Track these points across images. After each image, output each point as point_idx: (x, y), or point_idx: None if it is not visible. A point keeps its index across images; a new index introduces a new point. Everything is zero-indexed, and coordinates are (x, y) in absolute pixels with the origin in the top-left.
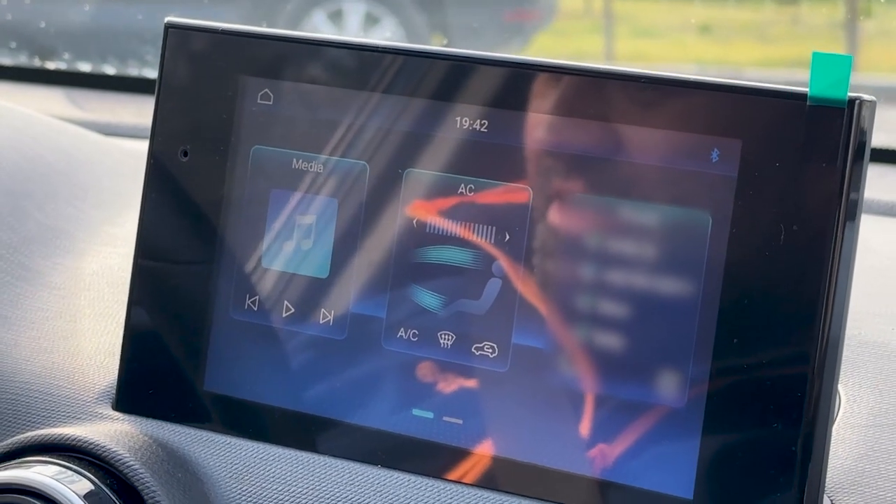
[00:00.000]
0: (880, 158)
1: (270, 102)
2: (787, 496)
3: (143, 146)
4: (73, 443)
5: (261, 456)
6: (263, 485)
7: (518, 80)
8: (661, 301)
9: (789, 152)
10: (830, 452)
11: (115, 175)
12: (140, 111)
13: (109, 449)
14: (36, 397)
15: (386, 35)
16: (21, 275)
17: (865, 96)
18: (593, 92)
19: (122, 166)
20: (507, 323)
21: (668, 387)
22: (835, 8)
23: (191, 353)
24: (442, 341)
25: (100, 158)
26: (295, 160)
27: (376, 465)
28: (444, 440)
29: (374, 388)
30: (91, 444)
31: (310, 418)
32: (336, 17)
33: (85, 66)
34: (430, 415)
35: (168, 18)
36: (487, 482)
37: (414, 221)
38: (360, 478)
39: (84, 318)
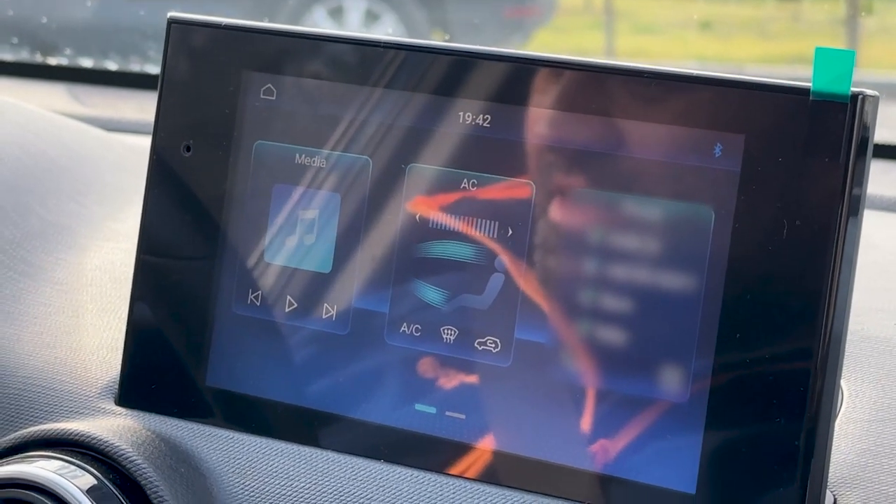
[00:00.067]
0: (883, 154)
1: (273, 98)
2: (790, 491)
3: (145, 142)
4: (76, 438)
5: (263, 451)
6: (266, 479)
7: (521, 75)
8: (665, 296)
9: (792, 147)
10: (833, 447)
11: (118, 171)
12: (142, 107)
13: (112, 444)
14: (39, 392)
15: (386, 32)
16: (23, 270)
17: (868, 91)
18: (596, 87)
19: (125, 162)
20: (510, 318)
21: (671, 382)
22: (835, 4)
23: (193, 348)
24: (445, 336)
25: (102, 154)
26: (297, 155)
27: (379, 459)
28: (446, 435)
29: (377, 382)
30: (94, 439)
31: (312, 413)
32: (336, 13)
33: (87, 62)
34: (432, 410)
35: (171, 14)
36: (490, 477)
37: (416, 216)
38: (362, 473)
39: (86, 313)
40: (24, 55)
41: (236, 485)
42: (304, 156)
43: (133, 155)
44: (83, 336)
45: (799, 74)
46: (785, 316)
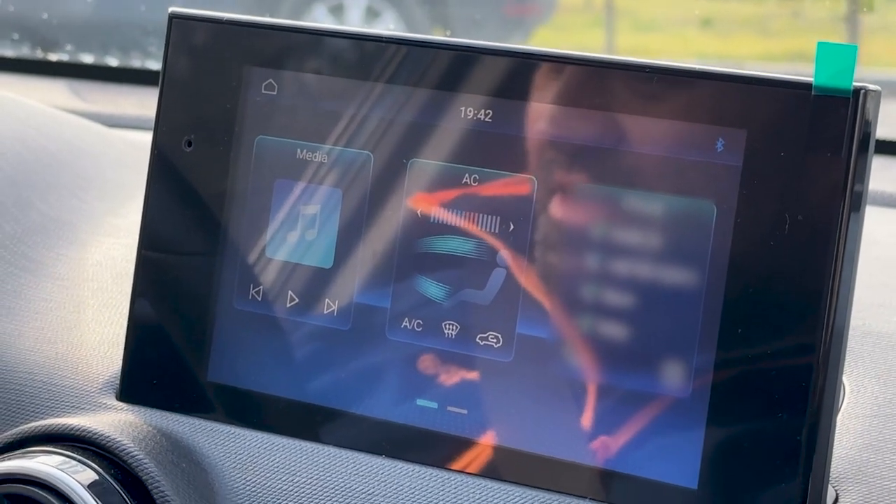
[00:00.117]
0: (885, 150)
1: (274, 92)
2: (792, 486)
3: (145, 137)
4: (78, 433)
5: (265, 446)
6: (267, 474)
7: (523, 70)
8: (666, 291)
9: (794, 142)
10: (835, 443)
11: (119, 166)
12: (142, 102)
13: (113, 439)
14: (40, 387)
15: (387, 28)
16: (24, 266)
17: (870, 86)
18: (599, 82)
19: (126, 157)
20: (512, 313)
21: (673, 377)
22: (836, 2)
23: (194, 344)
24: (446, 331)
25: (103, 149)
26: (299, 150)
27: (380, 455)
28: (448, 430)
29: (379, 378)
30: (95, 434)
31: (314, 408)
32: (337, 10)
33: (87, 58)
34: (434, 405)
35: (172, 9)
36: (491, 472)
37: (418, 211)
38: (364, 468)
39: (88, 308)
40: (24, 51)
41: (237, 480)
42: (305, 151)
43: (134, 151)
44: (84, 331)
45: (800, 72)
46: (787, 311)
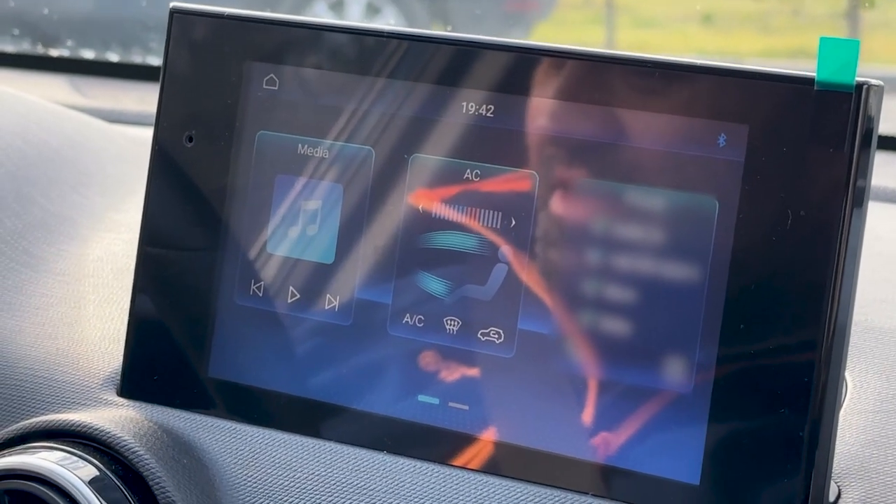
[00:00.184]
0: (887, 146)
1: (276, 88)
2: (794, 482)
3: (146, 133)
4: (78, 429)
5: (266, 442)
6: (268, 470)
7: (525, 65)
8: (668, 286)
9: (796, 137)
10: (837, 438)
11: (120, 162)
12: (143, 98)
13: (114, 435)
14: (40, 383)
15: (388, 24)
16: (25, 261)
17: (873, 81)
18: (601, 77)
19: (126, 153)
20: (513, 308)
21: (675, 372)
22: None
23: (195, 339)
24: (448, 327)
25: (104, 145)
26: (300, 145)
27: (382, 450)
28: (449, 426)
29: (380, 374)
30: (96, 429)
31: (315, 404)
32: (337, 7)
33: (88, 54)
34: (435, 401)
35: (173, 4)
36: (493, 468)
37: (419, 207)
38: (365, 463)
39: (88, 304)
40: (25, 46)
41: (238, 476)
42: (306, 146)
43: (135, 146)
44: (85, 327)
45: (800, 68)
46: (789, 307)
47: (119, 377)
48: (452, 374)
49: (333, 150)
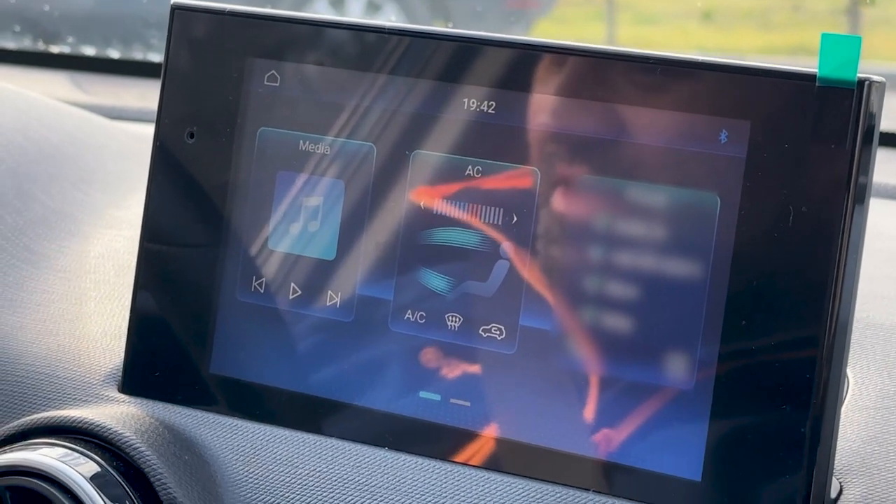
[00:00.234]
0: (889, 142)
1: (277, 84)
2: (796, 478)
3: (147, 130)
4: (80, 425)
5: (267, 438)
6: (270, 467)
7: (526, 61)
8: (670, 283)
9: (798, 134)
10: (839, 435)
11: (121, 158)
12: (144, 95)
13: (116, 431)
14: (42, 380)
15: (388, 20)
16: (26, 258)
17: (875, 77)
18: (602, 74)
19: (128, 150)
20: (515, 305)
21: (677, 369)
22: None
23: (197, 336)
24: (449, 323)
25: (105, 142)
26: (301, 142)
27: (383, 447)
28: (451, 422)
29: (382, 370)
30: (97, 426)
31: (316, 401)
32: (338, 3)
33: (89, 50)
34: (437, 397)
35: (174, 0)
36: (494, 464)
37: (421, 203)
38: (367, 460)
39: (89, 300)
40: (26, 43)
41: (240, 472)
42: (307, 142)
43: (136, 143)
44: (86, 324)
45: (801, 65)
46: (791, 303)
47: (120, 373)
48: (454, 370)
49: (335, 147)
